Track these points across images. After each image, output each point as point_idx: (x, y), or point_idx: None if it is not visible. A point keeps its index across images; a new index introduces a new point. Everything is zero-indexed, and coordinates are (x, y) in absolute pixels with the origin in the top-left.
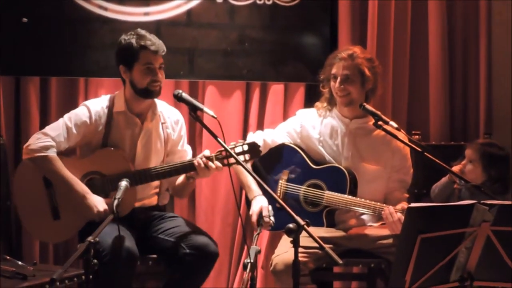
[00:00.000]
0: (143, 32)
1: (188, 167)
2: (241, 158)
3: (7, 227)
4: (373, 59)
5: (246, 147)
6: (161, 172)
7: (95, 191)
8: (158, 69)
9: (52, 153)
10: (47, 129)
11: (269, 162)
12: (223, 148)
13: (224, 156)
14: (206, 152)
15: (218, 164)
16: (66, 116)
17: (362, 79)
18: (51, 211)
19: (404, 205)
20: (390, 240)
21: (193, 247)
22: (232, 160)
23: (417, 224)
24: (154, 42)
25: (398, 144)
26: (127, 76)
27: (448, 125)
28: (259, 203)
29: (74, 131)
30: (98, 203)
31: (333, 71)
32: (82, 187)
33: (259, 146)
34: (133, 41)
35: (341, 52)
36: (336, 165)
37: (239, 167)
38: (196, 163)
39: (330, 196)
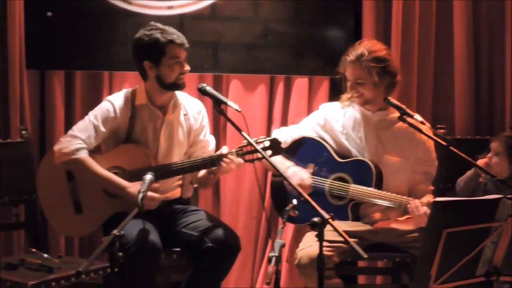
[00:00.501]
0: (161, 25)
1: (208, 163)
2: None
3: (32, 220)
4: (385, 57)
5: (267, 143)
6: (181, 167)
7: None
8: (184, 62)
9: (84, 154)
10: (76, 130)
11: (295, 156)
12: (243, 144)
13: (245, 152)
14: (224, 149)
15: (240, 160)
16: (91, 114)
17: (373, 82)
18: (73, 205)
19: (429, 198)
20: (416, 235)
21: (215, 240)
22: (254, 156)
23: (442, 219)
24: (179, 35)
25: (421, 136)
26: (153, 72)
27: (474, 119)
28: (300, 173)
29: (102, 128)
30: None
31: (346, 73)
32: (120, 180)
33: (280, 143)
34: (159, 36)
35: (350, 54)
36: (362, 158)
37: None
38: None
39: (356, 189)
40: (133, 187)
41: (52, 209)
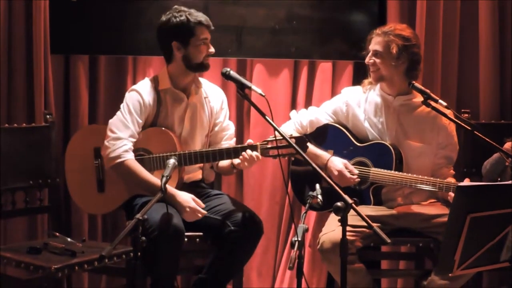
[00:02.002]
0: (186, 8)
1: (232, 152)
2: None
3: (56, 204)
4: (410, 38)
5: (293, 141)
6: (205, 155)
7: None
8: (209, 43)
9: (130, 156)
10: (116, 131)
11: (314, 143)
12: (269, 139)
13: (270, 147)
14: (250, 142)
15: (257, 154)
16: (124, 109)
17: (391, 56)
18: (97, 183)
19: (467, 180)
20: (439, 219)
21: (238, 224)
22: (279, 152)
23: (466, 204)
24: (205, 17)
25: (443, 121)
26: (180, 52)
27: (498, 103)
28: (341, 161)
29: (140, 120)
30: (189, 201)
31: (369, 46)
32: (169, 187)
33: (306, 141)
34: (188, 17)
35: (378, 28)
36: (381, 141)
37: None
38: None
39: (376, 172)
40: (180, 197)
41: (76, 185)
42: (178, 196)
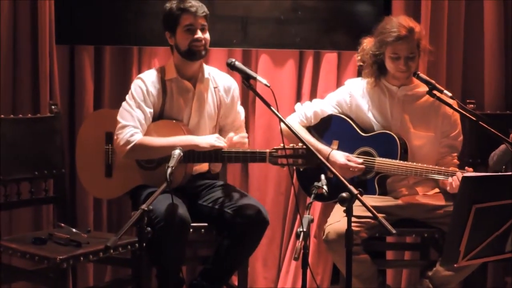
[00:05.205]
0: None
1: (241, 158)
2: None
3: (61, 195)
4: (420, 31)
5: (302, 151)
6: (214, 155)
7: (149, 160)
8: (201, 30)
9: (138, 137)
10: (122, 121)
11: (319, 133)
12: (279, 147)
13: (279, 155)
14: (231, 135)
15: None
16: (128, 99)
17: (419, 52)
18: (105, 168)
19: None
20: (444, 210)
21: (243, 215)
22: (289, 161)
23: (472, 194)
24: (194, 4)
25: (447, 110)
26: (172, 41)
27: (503, 93)
28: (342, 155)
29: (145, 107)
30: (210, 140)
31: (395, 51)
32: (183, 139)
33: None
34: (174, 6)
35: (397, 30)
36: (386, 131)
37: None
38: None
39: (381, 162)
40: (200, 140)
41: (85, 168)
42: (199, 143)
